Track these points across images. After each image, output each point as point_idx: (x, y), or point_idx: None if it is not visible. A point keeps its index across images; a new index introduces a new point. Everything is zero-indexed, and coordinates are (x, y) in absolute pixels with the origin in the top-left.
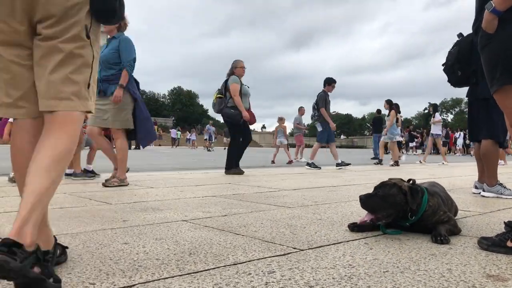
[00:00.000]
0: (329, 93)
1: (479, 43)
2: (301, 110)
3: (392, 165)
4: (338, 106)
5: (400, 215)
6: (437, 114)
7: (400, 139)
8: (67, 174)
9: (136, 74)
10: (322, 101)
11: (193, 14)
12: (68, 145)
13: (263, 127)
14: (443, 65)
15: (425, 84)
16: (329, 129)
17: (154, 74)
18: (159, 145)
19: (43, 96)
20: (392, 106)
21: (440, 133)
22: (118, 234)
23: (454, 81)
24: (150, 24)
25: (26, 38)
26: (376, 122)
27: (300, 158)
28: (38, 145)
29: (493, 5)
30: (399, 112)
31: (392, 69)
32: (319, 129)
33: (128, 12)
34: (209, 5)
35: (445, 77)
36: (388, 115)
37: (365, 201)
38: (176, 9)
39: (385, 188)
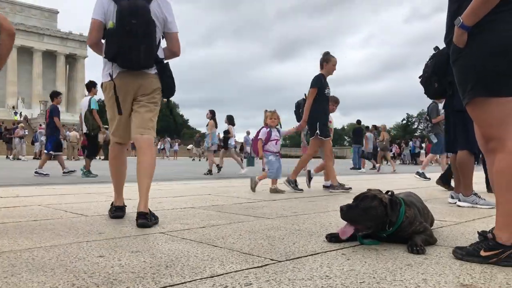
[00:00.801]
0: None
1: (451, 57)
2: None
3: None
4: None
5: (379, 227)
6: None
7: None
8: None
9: None
10: (434, 112)
11: (178, 23)
12: (154, 159)
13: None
14: (420, 77)
15: (405, 95)
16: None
17: None
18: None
19: (137, 126)
20: (213, 116)
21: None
22: (93, 247)
23: (431, 93)
24: None
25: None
26: (356, 133)
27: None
28: (139, 160)
29: (461, 20)
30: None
31: (374, 80)
32: (434, 141)
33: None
34: (194, 13)
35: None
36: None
37: (346, 212)
38: None
39: (366, 201)
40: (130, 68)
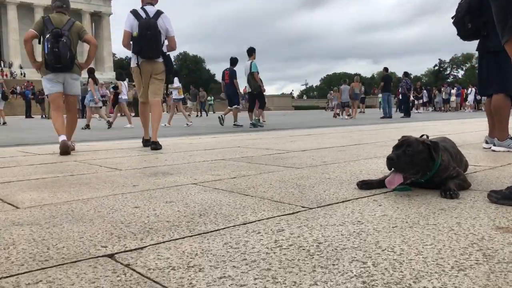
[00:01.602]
0: None
1: None
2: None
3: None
4: (351, 66)
5: (425, 172)
6: (175, 80)
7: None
8: None
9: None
10: None
11: None
12: (160, 112)
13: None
14: (452, 17)
15: (438, 40)
16: None
17: None
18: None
19: (151, 92)
20: (90, 73)
21: (178, 97)
22: (128, 199)
23: (464, 34)
24: None
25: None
26: (385, 81)
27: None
28: (152, 113)
29: None
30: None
31: (407, 25)
32: None
33: None
34: None
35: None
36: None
37: (397, 161)
38: None
39: (412, 146)
40: (147, 59)
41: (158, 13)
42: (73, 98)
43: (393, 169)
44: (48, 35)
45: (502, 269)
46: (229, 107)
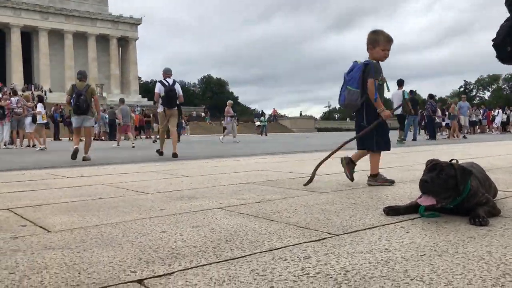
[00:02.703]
0: None
1: (509, 10)
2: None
3: None
4: None
5: (454, 197)
6: (39, 105)
7: None
8: None
9: (181, 63)
10: None
11: (238, 2)
12: (176, 135)
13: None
14: (493, 40)
15: (464, 62)
16: None
17: (193, 63)
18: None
19: (170, 125)
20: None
21: (42, 122)
22: (156, 223)
23: (504, 56)
24: (197, 17)
25: None
26: (412, 103)
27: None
28: (171, 135)
29: None
30: None
31: (435, 47)
32: None
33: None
34: None
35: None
36: None
37: (431, 184)
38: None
39: (445, 170)
40: (169, 108)
41: (174, 82)
42: (87, 129)
43: (425, 192)
44: (74, 95)
45: None
46: None
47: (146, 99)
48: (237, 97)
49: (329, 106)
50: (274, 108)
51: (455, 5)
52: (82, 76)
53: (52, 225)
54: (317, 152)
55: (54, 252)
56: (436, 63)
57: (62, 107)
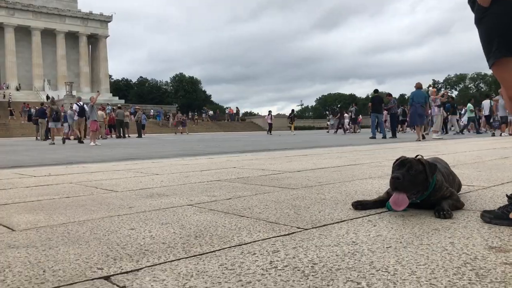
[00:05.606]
0: None
1: (475, 17)
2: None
3: None
4: (355, 86)
5: (423, 192)
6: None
7: None
8: None
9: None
10: None
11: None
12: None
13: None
14: None
15: (440, 61)
16: None
17: (175, 61)
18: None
19: None
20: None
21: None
22: (124, 221)
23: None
24: (184, 13)
25: None
26: (375, 101)
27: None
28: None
29: None
30: None
31: (413, 47)
32: None
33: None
34: None
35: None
36: None
37: (403, 180)
38: None
39: (414, 166)
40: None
41: (83, 104)
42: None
43: (397, 188)
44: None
45: None
46: None
47: (117, 97)
48: (210, 95)
49: (302, 105)
50: (230, 108)
51: (438, 6)
52: None
53: (17, 224)
54: (288, 150)
55: (18, 251)
56: (412, 62)
57: (29, 106)
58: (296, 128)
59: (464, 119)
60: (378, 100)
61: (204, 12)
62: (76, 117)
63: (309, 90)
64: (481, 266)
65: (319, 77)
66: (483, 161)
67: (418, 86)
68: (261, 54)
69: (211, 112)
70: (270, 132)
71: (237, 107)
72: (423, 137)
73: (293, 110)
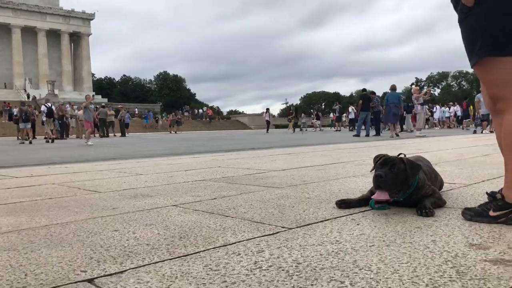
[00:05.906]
0: None
1: (458, 16)
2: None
3: None
4: (340, 84)
5: (405, 191)
6: None
7: None
8: None
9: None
10: None
11: None
12: None
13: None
14: None
15: (424, 59)
16: None
17: (161, 59)
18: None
19: None
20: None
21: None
22: (108, 222)
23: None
24: (172, 10)
25: None
26: (365, 99)
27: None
28: None
29: None
30: None
31: (398, 45)
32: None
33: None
34: None
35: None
36: None
37: (386, 179)
38: None
39: (396, 165)
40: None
41: (51, 105)
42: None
43: (379, 186)
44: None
45: (474, 286)
46: None
47: (100, 96)
48: (194, 94)
49: (286, 103)
50: (206, 107)
51: (423, 3)
52: None
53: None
54: (273, 148)
55: None
56: (397, 60)
57: (10, 105)
58: (278, 127)
59: (437, 117)
60: (367, 98)
61: (191, 10)
62: (44, 118)
63: (295, 88)
64: (462, 264)
65: (304, 75)
66: (465, 158)
67: (393, 88)
68: (247, 52)
69: (200, 111)
70: (267, 131)
71: (217, 106)
72: (397, 135)
73: (292, 105)
